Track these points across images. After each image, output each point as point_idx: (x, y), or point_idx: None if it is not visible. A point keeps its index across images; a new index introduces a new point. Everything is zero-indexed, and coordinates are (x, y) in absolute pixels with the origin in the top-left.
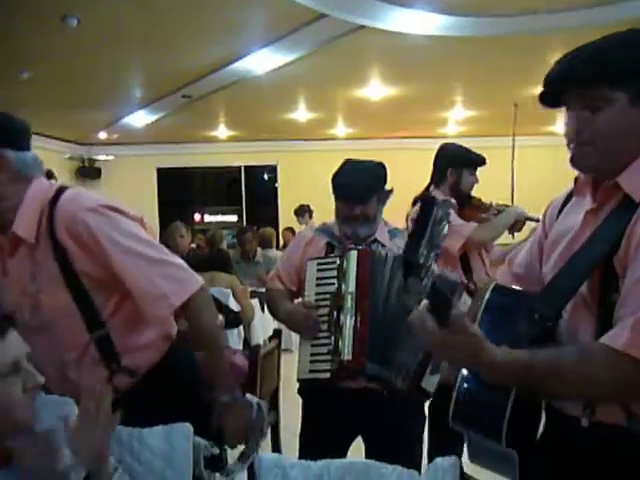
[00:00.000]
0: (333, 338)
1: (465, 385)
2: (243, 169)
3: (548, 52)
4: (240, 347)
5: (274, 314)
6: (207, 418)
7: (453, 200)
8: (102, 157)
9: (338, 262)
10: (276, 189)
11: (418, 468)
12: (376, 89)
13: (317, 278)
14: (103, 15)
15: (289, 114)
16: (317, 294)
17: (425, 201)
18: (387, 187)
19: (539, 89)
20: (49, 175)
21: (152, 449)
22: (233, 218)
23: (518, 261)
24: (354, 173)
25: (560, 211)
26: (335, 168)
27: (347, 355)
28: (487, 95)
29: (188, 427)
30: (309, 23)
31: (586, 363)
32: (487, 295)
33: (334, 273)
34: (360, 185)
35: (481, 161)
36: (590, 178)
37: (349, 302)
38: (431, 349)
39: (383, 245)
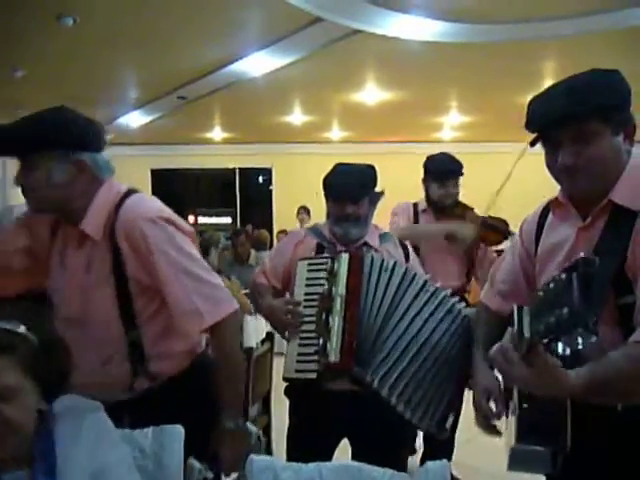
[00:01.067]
0: (321, 339)
1: (524, 407)
2: (238, 171)
3: (542, 59)
4: None
5: (258, 308)
6: (207, 439)
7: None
8: None
9: (329, 263)
10: (271, 192)
11: (403, 468)
12: (371, 93)
13: (307, 278)
14: (99, 15)
15: (284, 117)
16: (306, 294)
17: None
18: (379, 190)
19: (534, 95)
20: None
21: (143, 451)
22: (227, 220)
23: (500, 279)
24: (346, 174)
25: (540, 225)
26: None
27: (334, 357)
28: (482, 101)
29: (179, 429)
30: (305, 27)
31: (635, 364)
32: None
33: (324, 274)
34: (352, 184)
35: (445, 173)
36: (565, 199)
37: (338, 304)
38: (515, 381)
39: (376, 250)
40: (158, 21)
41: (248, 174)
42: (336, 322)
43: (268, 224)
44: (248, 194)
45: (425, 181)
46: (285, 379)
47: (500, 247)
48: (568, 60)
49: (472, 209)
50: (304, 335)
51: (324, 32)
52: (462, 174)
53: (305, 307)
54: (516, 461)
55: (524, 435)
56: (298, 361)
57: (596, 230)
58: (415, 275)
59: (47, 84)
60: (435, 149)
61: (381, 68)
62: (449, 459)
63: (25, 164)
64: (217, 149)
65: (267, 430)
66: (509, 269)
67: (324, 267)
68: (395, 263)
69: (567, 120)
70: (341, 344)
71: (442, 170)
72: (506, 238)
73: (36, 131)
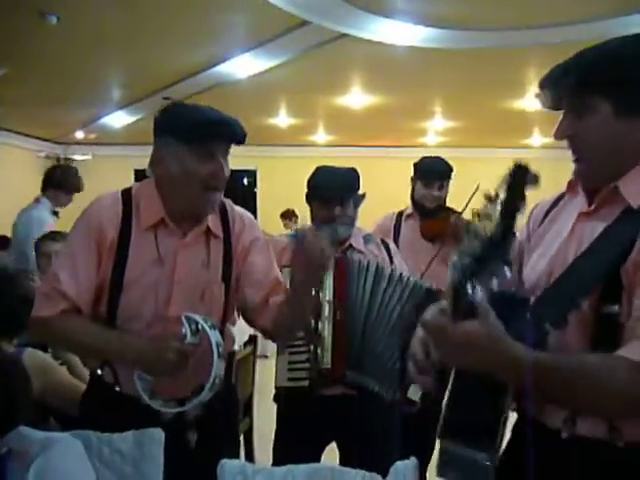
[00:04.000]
0: (312, 346)
1: (453, 399)
2: None
3: (527, 66)
4: None
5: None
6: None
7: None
8: (79, 157)
9: None
10: (255, 194)
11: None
12: (357, 97)
13: None
14: (83, 13)
15: (270, 119)
16: None
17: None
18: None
19: (518, 102)
20: None
21: (122, 454)
22: None
23: None
24: (331, 175)
25: (547, 213)
26: None
27: (326, 364)
28: (466, 107)
29: (159, 432)
30: (292, 30)
31: (609, 373)
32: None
33: None
34: (339, 185)
35: (430, 173)
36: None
37: (327, 310)
38: (447, 349)
39: (360, 252)
40: (143, 21)
41: (233, 176)
42: (326, 328)
43: None
44: (232, 196)
45: (413, 180)
46: (278, 388)
47: None
48: (551, 68)
49: (458, 212)
50: (294, 343)
51: (310, 35)
52: (449, 178)
53: None
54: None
55: (449, 430)
56: (290, 369)
57: (598, 219)
58: (400, 275)
59: (30, 83)
60: (420, 154)
61: (367, 72)
62: (427, 460)
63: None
64: None
65: (249, 434)
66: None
67: None
68: (379, 265)
69: (558, 85)
70: (332, 350)
71: (428, 170)
72: None
73: None
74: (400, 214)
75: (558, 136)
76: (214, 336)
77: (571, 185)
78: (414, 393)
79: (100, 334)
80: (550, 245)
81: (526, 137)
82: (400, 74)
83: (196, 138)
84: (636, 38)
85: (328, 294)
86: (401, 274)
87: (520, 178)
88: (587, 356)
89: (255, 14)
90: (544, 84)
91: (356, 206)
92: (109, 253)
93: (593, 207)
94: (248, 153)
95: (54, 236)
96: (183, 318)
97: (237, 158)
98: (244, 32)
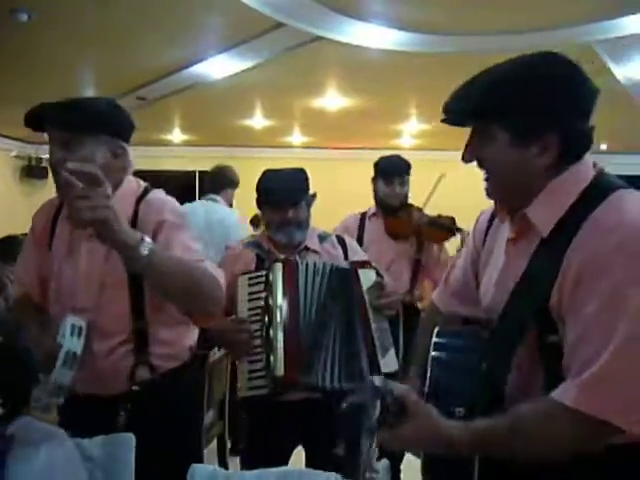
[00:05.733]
0: (265, 354)
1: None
2: (198, 174)
3: None
4: None
5: (207, 332)
6: (189, 437)
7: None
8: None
9: (265, 275)
10: None
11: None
12: (332, 99)
13: (249, 293)
14: (55, 11)
15: (245, 120)
16: (249, 309)
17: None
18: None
19: None
20: None
21: (92, 459)
22: None
23: (453, 277)
24: (279, 178)
25: (488, 227)
26: None
27: (279, 371)
28: (439, 110)
29: (130, 437)
30: (267, 31)
31: (545, 427)
32: (434, 340)
33: (263, 287)
34: (290, 188)
35: (391, 171)
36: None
37: (278, 316)
38: (398, 447)
39: (314, 251)
40: (117, 20)
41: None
42: (277, 334)
43: None
44: None
45: (374, 180)
46: (241, 398)
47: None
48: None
49: (419, 209)
50: (252, 351)
51: (285, 37)
52: (408, 174)
53: (251, 322)
54: None
55: (430, 470)
56: (249, 378)
57: (523, 246)
58: (330, 267)
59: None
60: None
61: (342, 74)
62: (399, 460)
63: (71, 142)
64: (177, 151)
65: (223, 437)
66: (460, 269)
67: (262, 279)
68: (325, 265)
69: (453, 111)
70: (284, 357)
71: (388, 168)
72: (453, 234)
73: (91, 112)
74: (364, 214)
75: (465, 159)
76: (69, 342)
77: (497, 207)
78: (388, 365)
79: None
80: (493, 271)
81: None
82: (375, 77)
83: (29, 126)
84: (523, 62)
85: (279, 299)
86: (348, 272)
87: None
88: (520, 412)
89: (230, 15)
90: (447, 111)
91: (309, 206)
92: (41, 244)
93: (514, 233)
94: (223, 154)
95: None
96: (66, 318)
97: (212, 159)
98: (219, 33)
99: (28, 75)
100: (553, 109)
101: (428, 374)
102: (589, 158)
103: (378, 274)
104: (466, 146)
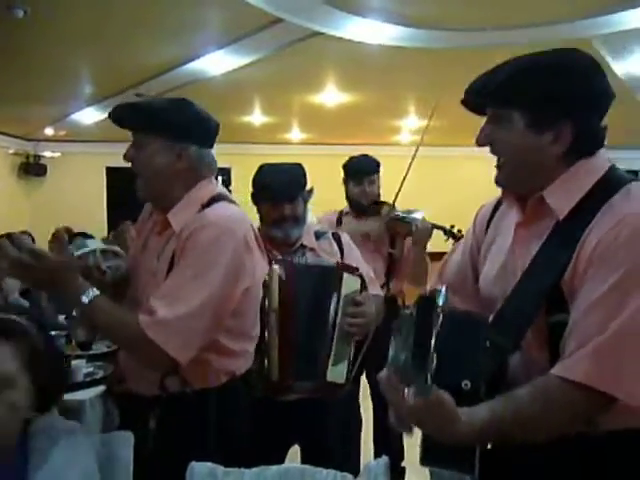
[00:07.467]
0: (260, 357)
1: None
2: None
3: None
4: None
5: None
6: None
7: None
8: (48, 154)
9: (264, 277)
10: (230, 192)
11: (355, 469)
12: (331, 95)
13: None
14: (52, 7)
15: (244, 117)
16: None
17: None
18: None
19: None
20: None
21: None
22: None
23: (449, 270)
24: (276, 174)
25: (490, 218)
26: None
27: (274, 376)
28: (440, 106)
29: (129, 435)
30: (265, 27)
31: (543, 404)
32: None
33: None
34: (287, 183)
35: (360, 171)
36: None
37: (273, 319)
38: (404, 415)
39: (311, 249)
40: (115, 15)
41: None
42: (273, 338)
43: None
44: None
45: (345, 181)
46: None
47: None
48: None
49: (388, 204)
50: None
51: (284, 33)
52: (377, 173)
53: None
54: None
55: (428, 456)
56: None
57: (535, 230)
58: (333, 273)
59: None
60: (393, 152)
61: (341, 70)
62: (399, 457)
63: (136, 142)
64: None
65: None
66: (457, 262)
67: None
68: (322, 265)
69: (474, 93)
70: (279, 361)
71: (357, 169)
72: (410, 229)
73: (147, 114)
74: (341, 212)
75: (479, 142)
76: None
77: (505, 194)
78: (336, 376)
79: None
80: (497, 258)
81: None
82: (373, 72)
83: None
84: (552, 54)
85: (274, 303)
86: (318, 266)
87: (427, 312)
88: (519, 395)
89: (228, 11)
90: (469, 92)
91: (305, 202)
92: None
93: (526, 217)
94: (222, 151)
95: None
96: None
97: None
98: (217, 29)
99: (25, 72)
100: (571, 102)
101: (432, 350)
102: (603, 152)
103: (363, 284)
104: (481, 130)
